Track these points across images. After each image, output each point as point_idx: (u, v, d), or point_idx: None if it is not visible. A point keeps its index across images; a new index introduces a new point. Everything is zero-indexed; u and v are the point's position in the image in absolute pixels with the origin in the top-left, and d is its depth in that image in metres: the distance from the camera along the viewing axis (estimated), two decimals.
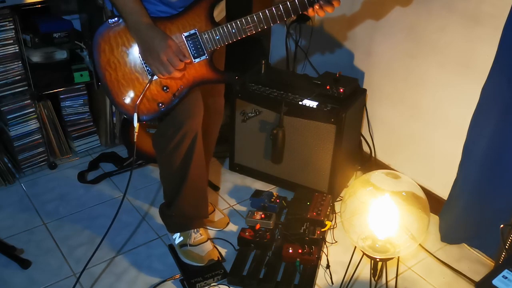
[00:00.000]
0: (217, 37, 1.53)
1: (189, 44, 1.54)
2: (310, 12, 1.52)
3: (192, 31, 1.54)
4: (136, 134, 1.59)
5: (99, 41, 1.53)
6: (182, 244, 1.90)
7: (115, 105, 1.59)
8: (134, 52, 1.54)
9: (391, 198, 1.60)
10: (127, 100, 1.57)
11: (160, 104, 1.58)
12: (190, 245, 1.88)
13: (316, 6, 1.51)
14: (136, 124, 1.56)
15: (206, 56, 1.56)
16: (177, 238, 1.92)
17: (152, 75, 1.55)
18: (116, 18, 1.53)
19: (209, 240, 1.93)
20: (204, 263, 1.85)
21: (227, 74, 1.63)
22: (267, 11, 1.51)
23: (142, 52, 1.52)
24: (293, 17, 2.54)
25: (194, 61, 1.56)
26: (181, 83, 1.57)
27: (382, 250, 1.62)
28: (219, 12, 1.69)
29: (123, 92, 1.56)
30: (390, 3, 2.17)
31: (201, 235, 1.91)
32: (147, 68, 1.54)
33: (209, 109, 1.74)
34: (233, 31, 1.52)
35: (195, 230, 1.91)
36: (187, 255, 1.88)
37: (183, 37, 1.53)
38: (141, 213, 2.21)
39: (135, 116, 1.56)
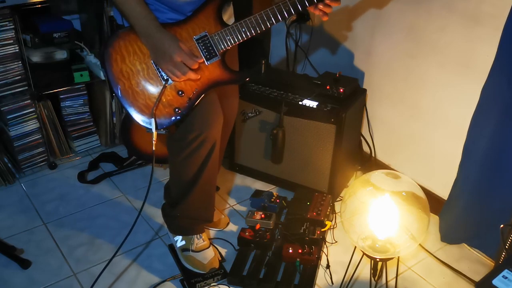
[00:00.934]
0: (228, 37, 1.54)
1: (201, 47, 1.54)
2: (314, 10, 1.53)
3: (203, 34, 1.54)
4: (154, 142, 1.56)
5: (110, 51, 1.52)
6: (184, 249, 1.89)
7: (130, 114, 1.56)
8: (147, 58, 1.53)
9: (391, 198, 1.60)
10: (143, 108, 1.55)
11: (177, 109, 1.56)
12: (192, 251, 1.87)
13: (321, 6, 1.52)
14: (154, 130, 1.54)
15: (218, 57, 1.56)
16: (179, 241, 1.91)
17: (166, 80, 1.54)
18: (125, 28, 1.53)
19: (211, 246, 1.92)
20: (205, 271, 1.84)
21: (241, 74, 1.63)
22: (275, 8, 1.52)
23: (154, 57, 1.51)
24: (294, 16, 2.56)
25: (207, 63, 1.56)
26: (195, 86, 1.56)
27: (382, 250, 1.62)
28: (228, 19, 1.68)
29: (138, 100, 1.54)
30: (390, 2, 2.17)
31: (204, 241, 1.90)
32: (161, 73, 1.54)
33: (224, 111, 1.73)
34: (243, 29, 1.53)
35: (198, 235, 1.89)
36: (188, 261, 1.87)
37: (194, 40, 1.54)
38: (142, 213, 2.21)
39: (153, 121, 1.54)
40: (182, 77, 1.51)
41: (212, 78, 1.57)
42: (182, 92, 1.56)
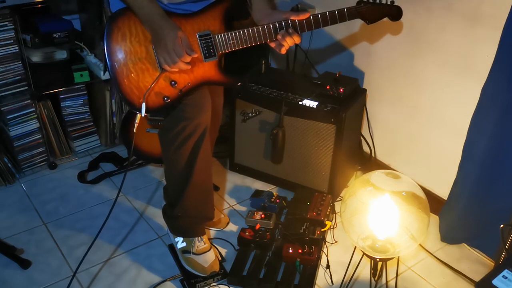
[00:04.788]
0: (230, 42, 1.58)
1: (202, 44, 1.57)
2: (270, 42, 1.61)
3: (206, 32, 1.57)
4: (137, 124, 1.60)
5: (113, 27, 1.53)
6: (185, 251, 1.88)
7: (120, 94, 1.58)
8: (147, 42, 1.55)
9: (391, 198, 1.60)
10: (134, 90, 1.57)
11: (166, 98, 1.59)
12: (193, 253, 1.86)
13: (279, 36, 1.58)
14: (143, 114, 1.57)
15: (216, 58, 1.59)
16: (180, 242, 1.90)
17: (163, 68, 1.56)
18: None
19: (212, 249, 1.91)
20: (206, 274, 1.84)
21: (233, 78, 1.65)
22: (277, 24, 1.57)
23: (154, 42, 1.53)
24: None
25: (205, 60, 1.58)
26: (189, 80, 1.59)
27: (382, 250, 1.62)
28: None
29: (131, 81, 1.56)
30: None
31: (205, 244, 1.89)
32: (159, 60, 1.55)
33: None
34: (245, 38, 1.58)
35: (199, 238, 1.88)
36: (189, 263, 1.87)
37: (197, 36, 1.56)
38: (141, 213, 2.21)
39: (143, 106, 1.56)
40: (173, 66, 1.52)
41: (206, 76, 1.61)
42: (175, 83, 1.58)
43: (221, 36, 1.57)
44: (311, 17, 1.57)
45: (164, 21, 1.49)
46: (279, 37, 1.58)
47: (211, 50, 1.58)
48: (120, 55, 1.54)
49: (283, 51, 1.61)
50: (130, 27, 1.54)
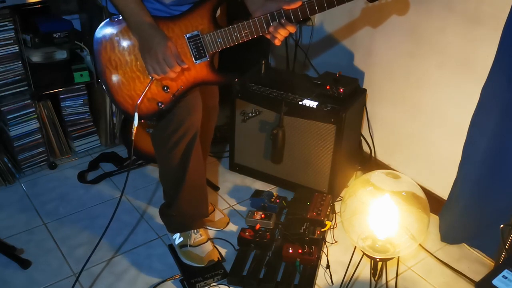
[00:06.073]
0: (219, 40, 1.55)
1: (191, 46, 1.55)
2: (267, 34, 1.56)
3: (195, 33, 1.55)
4: (134, 132, 1.59)
5: (100, 38, 1.54)
6: (182, 245, 1.90)
7: (114, 103, 1.60)
8: (136, 50, 1.54)
9: (391, 198, 1.60)
10: (127, 99, 1.58)
11: (160, 104, 1.59)
12: (190, 246, 1.88)
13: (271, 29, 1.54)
14: (136, 123, 1.57)
15: (207, 58, 1.57)
16: (177, 238, 1.92)
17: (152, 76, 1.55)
18: (119, 16, 1.53)
19: (209, 241, 1.93)
20: (204, 264, 1.85)
21: (227, 75, 1.64)
22: (268, 15, 1.53)
23: (142, 51, 1.52)
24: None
25: (196, 62, 1.57)
26: (181, 83, 1.59)
27: (382, 250, 1.62)
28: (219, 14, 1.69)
29: (123, 90, 1.57)
30: (390, 2, 2.17)
31: (201, 236, 1.91)
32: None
33: (204, 108, 1.75)
34: (235, 34, 1.54)
35: (195, 230, 1.91)
36: (187, 256, 1.88)
37: (185, 38, 1.54)
38: (141, 213, 2.21)
39: (136, 115, 1.57)
40: (162, 75, 1.52)
41: (198, 77, 1.60)
42: (167, 88, 1.58)
43: (210, 35, 1.54)
44: (305, 3, 1.50)
45: (154, 30, 1.48)
46: (271, 29, 1.53)
47: (201, 51, 1.55)
48: (110, 66, 1.54)
49: (277, 42, 1.56)
50: (118, 36, 1.54)
